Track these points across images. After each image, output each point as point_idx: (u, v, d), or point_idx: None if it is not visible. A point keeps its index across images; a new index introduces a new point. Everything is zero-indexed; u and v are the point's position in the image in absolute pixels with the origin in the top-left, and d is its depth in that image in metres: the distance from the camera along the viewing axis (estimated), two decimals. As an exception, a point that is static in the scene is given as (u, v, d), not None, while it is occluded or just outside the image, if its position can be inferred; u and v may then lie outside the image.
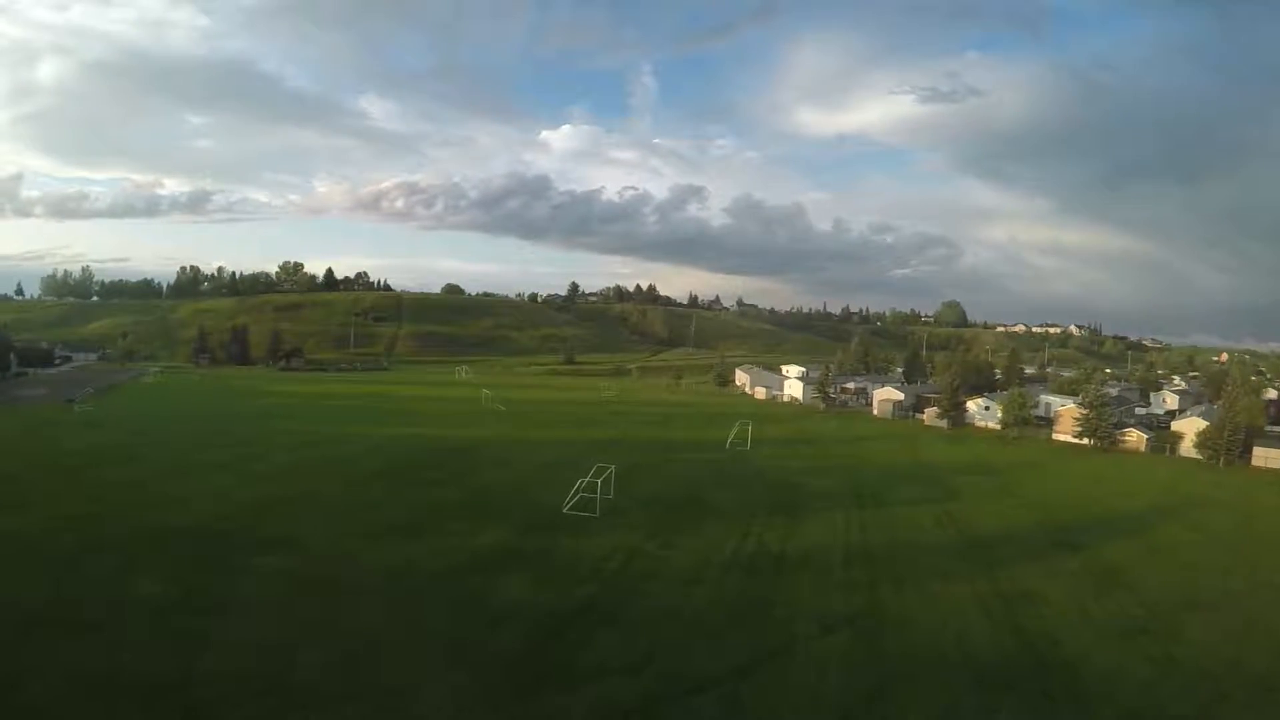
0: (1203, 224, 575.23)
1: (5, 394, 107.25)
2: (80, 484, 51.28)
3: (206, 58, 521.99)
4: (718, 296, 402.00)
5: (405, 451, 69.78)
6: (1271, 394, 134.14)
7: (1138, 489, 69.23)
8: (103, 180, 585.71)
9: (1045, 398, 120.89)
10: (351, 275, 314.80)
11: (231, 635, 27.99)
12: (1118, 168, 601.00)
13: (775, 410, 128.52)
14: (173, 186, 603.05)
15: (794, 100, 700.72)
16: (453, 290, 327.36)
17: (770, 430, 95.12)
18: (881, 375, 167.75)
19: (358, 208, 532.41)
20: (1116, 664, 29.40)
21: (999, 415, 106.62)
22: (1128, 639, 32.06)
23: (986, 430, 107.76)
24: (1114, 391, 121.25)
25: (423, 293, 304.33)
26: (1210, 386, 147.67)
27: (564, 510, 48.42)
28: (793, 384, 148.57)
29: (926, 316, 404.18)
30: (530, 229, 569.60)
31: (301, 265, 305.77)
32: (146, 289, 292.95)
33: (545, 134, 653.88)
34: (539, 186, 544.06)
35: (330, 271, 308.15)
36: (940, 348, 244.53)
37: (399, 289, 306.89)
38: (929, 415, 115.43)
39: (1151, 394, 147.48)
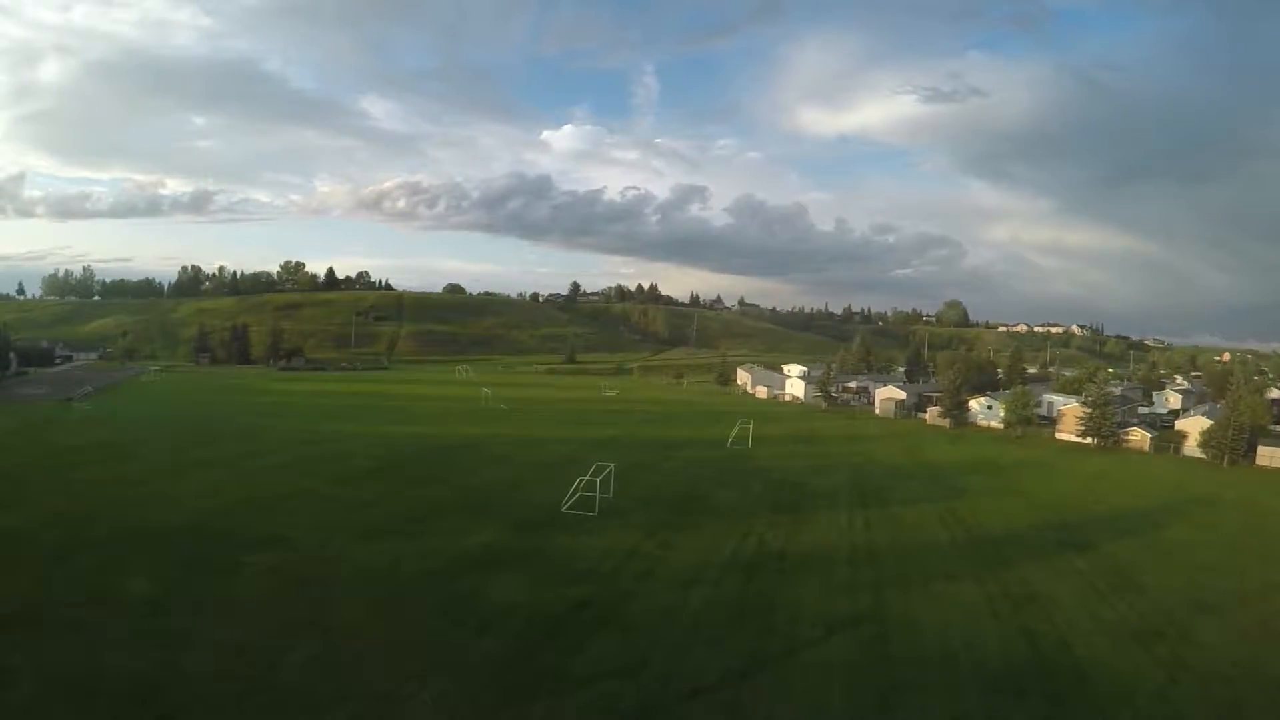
0: (1205, 224, 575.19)
1: (4, 393, 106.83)
2: (73, 482, 50.76)
3: (209, 58, 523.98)
4: (719, 296, 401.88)
5: (402, 450, 68.99)
6: (1275, 393, 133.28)
7: (1143, 488, 68.40)
8: (105, 180, 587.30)
9: (1048, 397, 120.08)
10: (353, 275, 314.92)
11: (216, 635, 27.32)
12: (1120, 168, 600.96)
13: (777, 409, 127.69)
14: (175, 186, 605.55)
15: (796, 100, 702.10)
16: (454, 290, 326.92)
17: (772, 429, 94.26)
18: (883, 374, 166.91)
19: (359, 208, 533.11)
20: (1129, 668, 28.52)
21: (1002, 414, 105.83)
22: (1139, 642, 31.16)
23: (989, 429, 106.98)
24: (1117, 391, 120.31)
25: (423, 292, 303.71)
26: (1213, 386, 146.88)
27: (562, 509, 47.60)
28: (794, 383, 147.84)
29: (928, 316, 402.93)
30: (532, 229, 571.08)
31: (303, 265, 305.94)
32: (148, 288, 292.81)
33: (547, 134, 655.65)
34: (541, 186, 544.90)
35: (331, 271, 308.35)
36: (942, 347, 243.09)
37: (400, 289, 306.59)
38: (931, 414, 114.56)
39: (1154, 393, 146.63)
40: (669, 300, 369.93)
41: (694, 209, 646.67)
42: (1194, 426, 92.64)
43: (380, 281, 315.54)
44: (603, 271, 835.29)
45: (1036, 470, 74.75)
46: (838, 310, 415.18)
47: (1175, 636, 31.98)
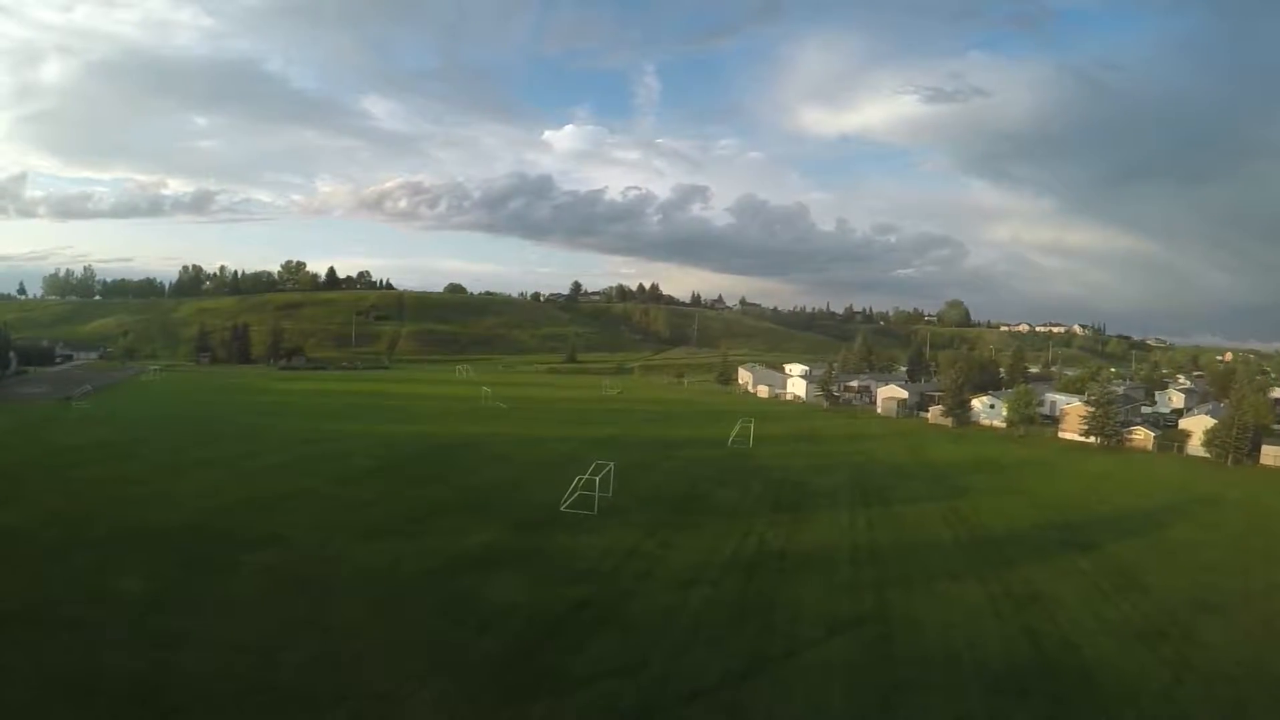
0: (1206, 224, 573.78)
1: (4, 392, 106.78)
2: (72, 481, 50.60)
3: (210, 58, 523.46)
4: (720, 296, 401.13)
5: (402, 449, 68.78)
6: (1278, 393, 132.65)
7: (1147, 487, 68.11)
8: (107, 180, 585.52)
9: (1050, 396, 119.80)
10: (353, 275, 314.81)
11: (214, 634, 27.14)
12: (1121, 168, 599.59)
13: (778, 408, 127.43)
14: (176, 187, 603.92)
15: (797, 100, 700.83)
16: (455, 289, 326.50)
17: (773, 428, 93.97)
18: (885, 374, 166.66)
19: (361, 208, 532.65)
20: (1133, 668, 28.27)
21: (1004, 413, 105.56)
22: (1144, 642, 30.91)
23: (991, 429, 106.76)
24: (1120, 390, 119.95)
25: (424, 292, 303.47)
26: (1216, 385, 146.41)
27: (561, 508, 47.35)
28: (796, 382, 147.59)
29: (930, 316, 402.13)
30: (533, 229, 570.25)
31: (304, 264, 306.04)
32: (149, 288, 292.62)
33: (548, 134, 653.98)
34: (542, 186, 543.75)
35: (332, 271, 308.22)
36: (944, 347, 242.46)
37: (401, 289, 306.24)
38: (933, 413, 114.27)
39: (1157, 393, 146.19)
40: (670, 300, 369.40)
41: (695, 209, 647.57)
42: (1198, 426, 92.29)
43: (381, 281, 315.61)
44: (604, 271, 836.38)
45: (1039, 469, 74.48)
46: (839, 310, 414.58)
47: (1179, 636, 31.72)
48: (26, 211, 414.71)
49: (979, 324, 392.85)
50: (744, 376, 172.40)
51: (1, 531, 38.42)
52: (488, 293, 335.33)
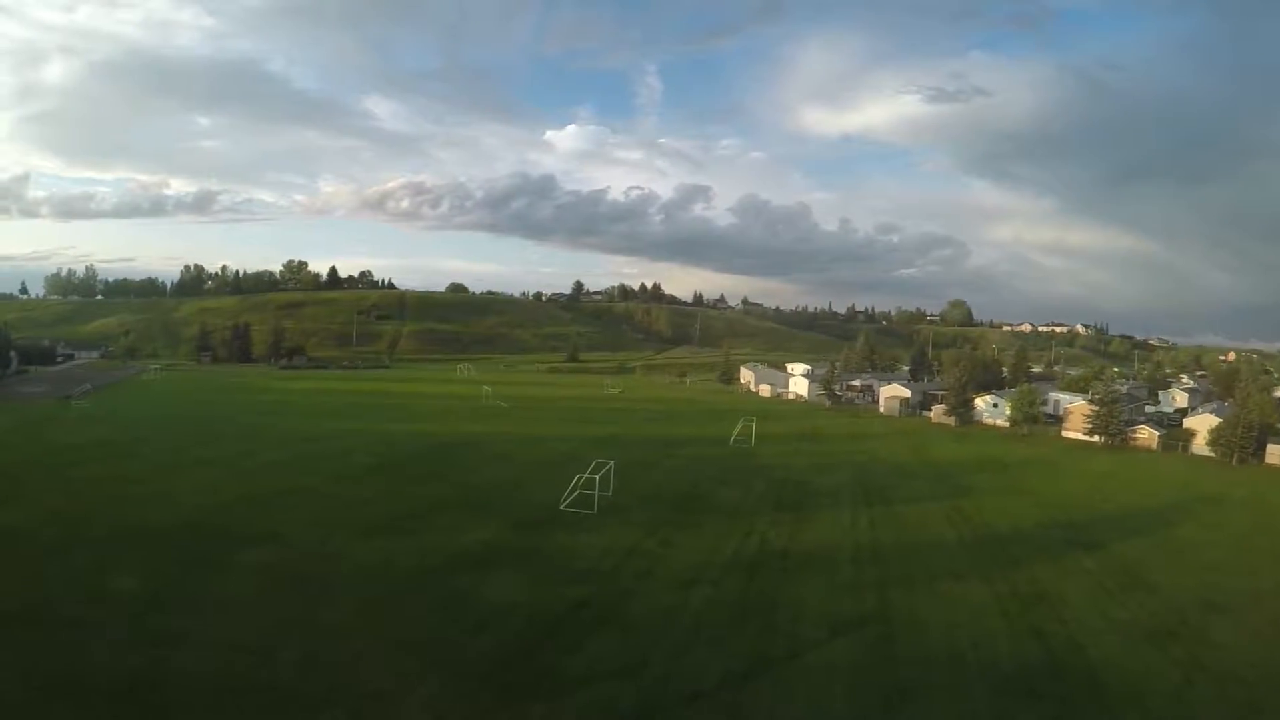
0: (1208, 224, 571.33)
1: (4, 391, 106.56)
2: (71, 480, 50.39)
3: (212, 58, 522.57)
4: (723, 296, 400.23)
5: (401, 448, 68.42)
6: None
7: (1152, 487, 67.57)
8: (109, 180, 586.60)
9: (1054, 395, 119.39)
10: (355, 275, 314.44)
11: (209, 633, 26.87)
12: (1122, 168, 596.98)
13: (780, 408, 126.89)
14: (179, 187, 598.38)
15: (799, 100, 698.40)
16: (456, 289, 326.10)
17: (775, 427, 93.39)
18: (888, 373, 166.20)
19: (363, 208, 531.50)
20: (1142, 669, 27.79)
21: (1007, 412, 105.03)
22: (1152, 642, 30.43)
23: (995, 428, 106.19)
24: (1123, 389, 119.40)
25: (426, 291, 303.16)
26: (1220, 385, 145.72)
27: (561, 507, 46.92)
28: (798, 381, 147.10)
29: (932, 316, 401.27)
30: (535, 229, 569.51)
31: (305, 264, 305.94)
32: (150, 288, 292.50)
33: (550, 134, 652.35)
34: (544, 186, 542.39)
35: (334, 270, 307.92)
36: (946, 346, 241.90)
37: (403, 288, 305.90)
38: (936, 413, 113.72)
39: (1160, 392, 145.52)
40: (672, 299, 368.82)
41: (698, 209, 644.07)
42: (1202, 425, 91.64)
43: (383, 281, 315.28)
44: (606, 271, 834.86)
45: (1043, 469, 73.95)
46: (841, 310, 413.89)
47: (1188, 637, 31.24)
48: (29, 212, 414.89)
49: (981, 324, 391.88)
50: (746, 376, 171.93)
51: (1, 530, 38.15)
52: (489, 292, 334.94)
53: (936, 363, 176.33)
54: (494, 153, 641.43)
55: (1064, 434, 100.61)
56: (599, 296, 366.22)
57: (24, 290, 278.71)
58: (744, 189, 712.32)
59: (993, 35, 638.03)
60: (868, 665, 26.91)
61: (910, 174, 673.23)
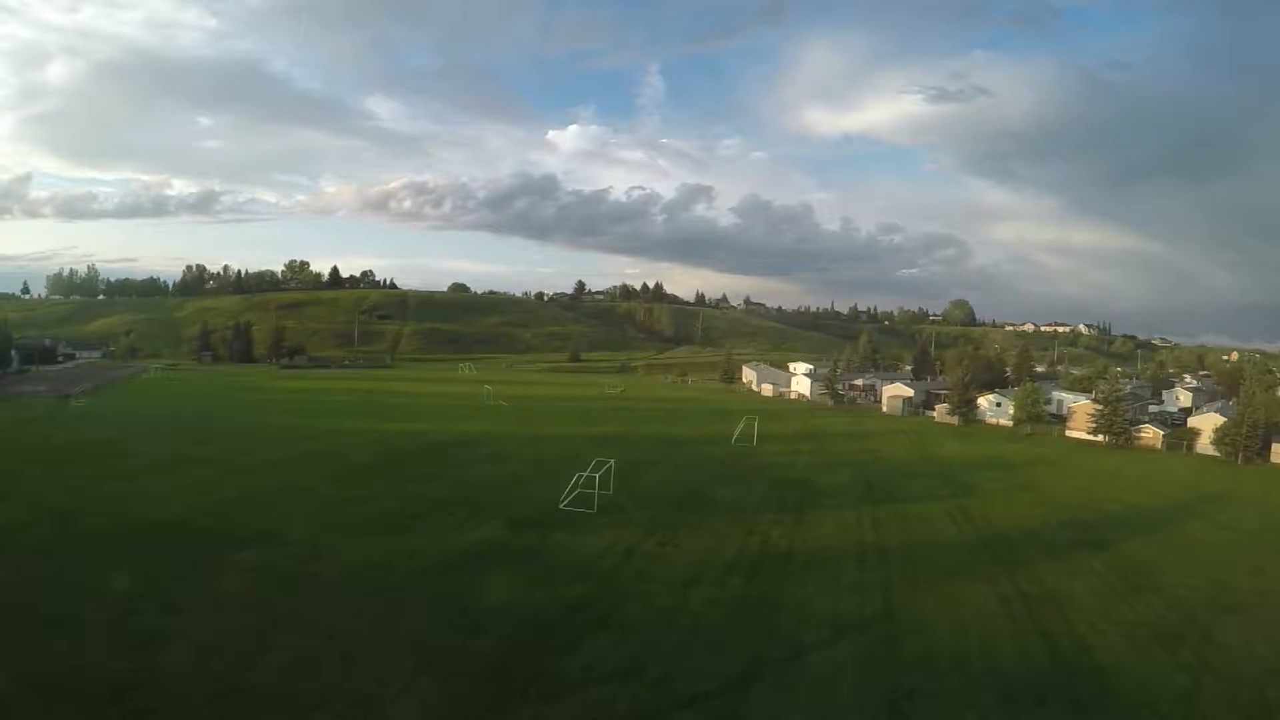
0: (1211, 224, 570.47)
1: (4, 390, 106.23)
2: (64, 477, 49.90)
3: (215, 59, 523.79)
4: (725, 295, 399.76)
5: (399, 446, 67.86)
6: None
7: (1157, 486, 66.98)
8: (111, 181, 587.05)
9: (1057, 394, 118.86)
10: (357, 274, 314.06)
11: (195, 634, 26.23)
12: (1125, 167, 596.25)
13: (782, 407, 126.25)
14: (181, 187, 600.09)
15: (801, 100, 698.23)
16: (458, 289, 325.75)
17: (777, 426, 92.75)
18: (890, 372, 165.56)
19: (366, 208, 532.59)
20: (1151, 671, 27.13)
21: (1011, 411, 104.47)
22: (1162, 644, 29.78)
23: (998, 427, 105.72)
24: (1127, 388, 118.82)
25: (428, 291, 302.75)
26: (1224, 384, 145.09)
27: (560, 506, 46.32)
28: (800, 380, 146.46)
29: (935, 315, 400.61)
30: (538, 229, 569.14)
31: (307, 264, 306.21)
32: (152, 287, 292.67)
33: (553, 134, 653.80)
34: (546, 187, 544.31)
35: (335, 270, 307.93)
36: (949, 346, 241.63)
37: (405, 288, 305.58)
38: (939, 411, 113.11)
39: (1164, 392, 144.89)
40: (674, 299, 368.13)
41: (700, 209, 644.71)
42: (1207, 424, 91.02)
43: (385, 280, 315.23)
44: (608, 271, 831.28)
45: (1048, 468, 73.30)
46: (843, 310, 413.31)
47: (1198, 638, 30.57)
48: (32, 212, 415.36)
49: (984, 323, 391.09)
50: (748, 375, 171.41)
51: (-9, 528, 37.59)
52: (491, 292, 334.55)
53: (939, 362, 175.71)
54: (496, 153, 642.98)
55: (1068, 433, 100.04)
56: (601, 296, 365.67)
57: (26, 290, 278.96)
58: (746, 189, 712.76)
59: (995, 34, 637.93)
60: (872, 667, 26.25)
61: (912, 174, 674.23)
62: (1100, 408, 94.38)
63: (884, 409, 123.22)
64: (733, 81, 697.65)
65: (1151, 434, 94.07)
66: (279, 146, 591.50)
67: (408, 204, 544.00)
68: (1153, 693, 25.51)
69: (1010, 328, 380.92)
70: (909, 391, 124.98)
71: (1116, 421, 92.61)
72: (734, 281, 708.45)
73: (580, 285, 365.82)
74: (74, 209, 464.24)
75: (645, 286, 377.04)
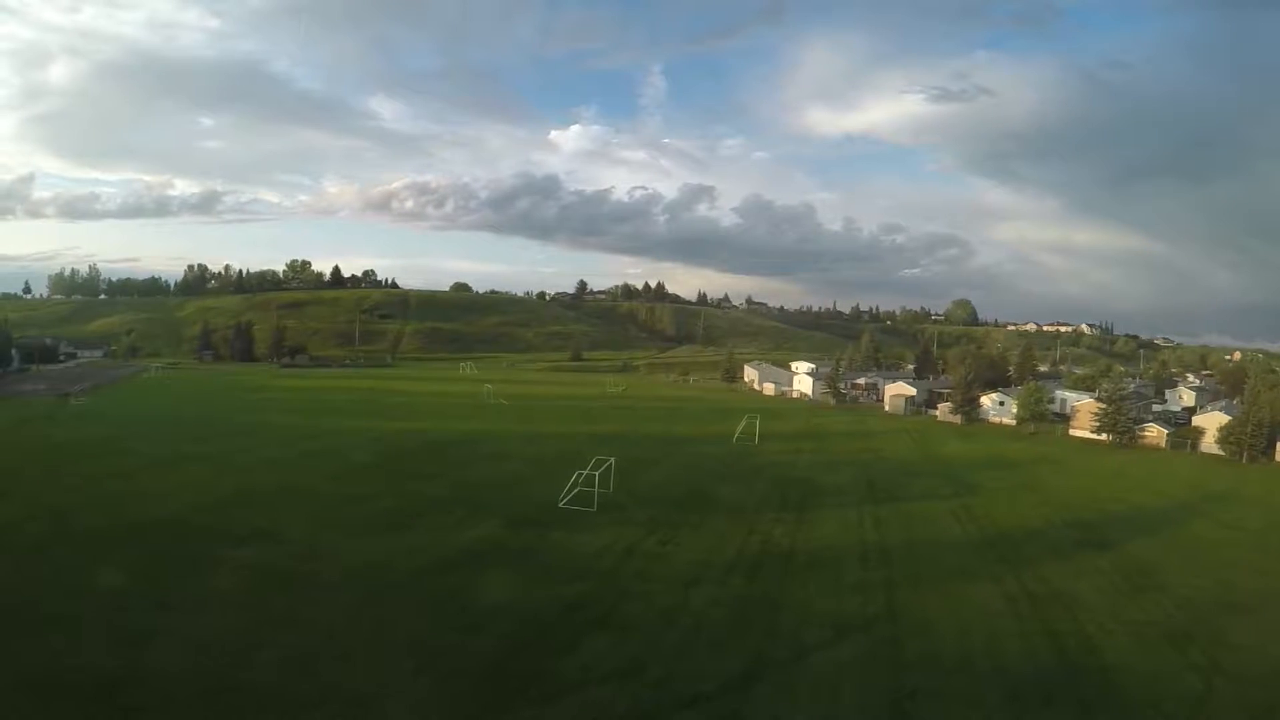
0: (1212, 224, 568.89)
1: (4, 389, 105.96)
2: (63, 476, 49.59)
3: (216, 59, 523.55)
4: (726, 295, 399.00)
5: (399, 445, 67.50)
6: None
7: (1162, 485, 66.53)
8: (113, 181, 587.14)
9: (1060, 393, 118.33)
10: (358, 274, 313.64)
11: (190, 632, 25.94)
12: (1126, 167, 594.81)
13: (784, 406, 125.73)
14: (183, 187, 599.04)
15: (803, 100, 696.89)
16: (460, 288, 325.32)
17: (779, 425, 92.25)
18: (892, 371, 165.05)
19: (368, 208, 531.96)
20: (1160, 672, 26.73)
21: (1014, 410, 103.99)
22: (1170, 644, 29.38)
23: (1001, 426, 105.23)
24: (1130, 387, 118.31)
25: (429, 290, 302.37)
26: (1227, 384, 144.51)
27: (559, 505, 45.92)
28: (802, 380, 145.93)
29: (937, 315, 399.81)
30: (540, 229, 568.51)
31: (309, 263, 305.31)
32: (154, 287, 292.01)
33: (554, 134, 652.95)
34: (548, 187, 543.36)
35: (337, 269, 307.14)
36: (951, 346, 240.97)
37: (407, 288, 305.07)
38: (942, 410, 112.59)
39: (1167, 391, 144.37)
40: (676, 299, 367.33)
41: (702, 209, 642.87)
42: (1212, 423, 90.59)
43: (386, 280, 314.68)
44: (610, 271, 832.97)
45: (1051, 467, 72.83)
46: (845, 310, 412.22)
47: (1206, 638, 30.16)
48: (34, 212, 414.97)
49: (986, 323, 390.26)
50: (750, 374, 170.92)
51: (-12, 526, 37.33)
52: (493, 291, 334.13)
53: (941, 361, 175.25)
54: (498, 153, 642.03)
55: (1071, 432, 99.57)
56: (603, 296, 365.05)
57: (27, 290, 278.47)
58: (748, 189, 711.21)
59: (996, 34, 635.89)
60: (875, 668, 25.85)
61: (914, 174, 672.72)
62: (1104, 406, 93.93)
63: (886, 408, 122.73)
64: (734, 82, 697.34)
65: (1155, 433, 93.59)
66: (281, 147, 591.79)
67: (410, 204, 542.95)
68: (1162, 693, 25.13)
69: (1012, 327, 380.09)
70: (911, 390, 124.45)
71: (1120, 420, 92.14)
72: (736, 281, 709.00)
73: (582, 285, 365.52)
74: (76, 209, 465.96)
75: (647, 286, 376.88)
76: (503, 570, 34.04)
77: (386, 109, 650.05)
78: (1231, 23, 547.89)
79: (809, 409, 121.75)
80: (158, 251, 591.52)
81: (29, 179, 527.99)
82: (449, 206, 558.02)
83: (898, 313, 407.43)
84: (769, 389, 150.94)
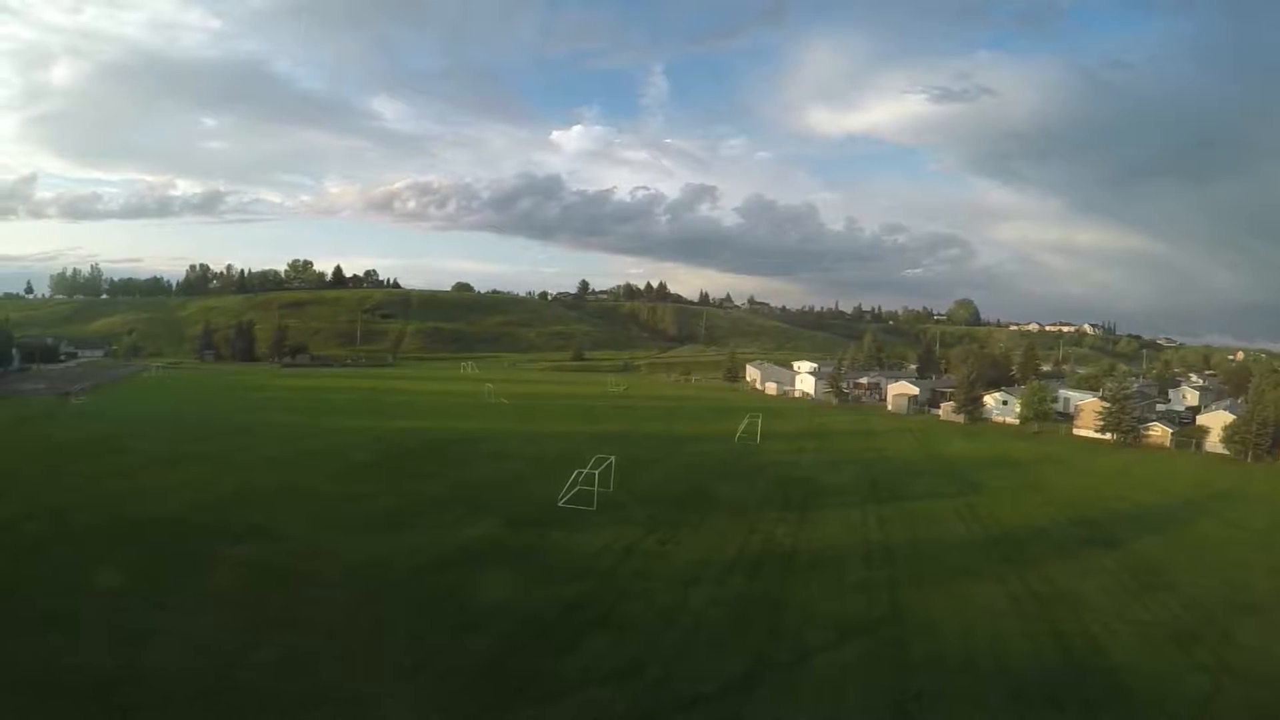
0: (1214, 223, 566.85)
1: (5, 388, 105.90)
2: (61, 474, 49.44)
3: (218, 60, 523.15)
4: (728, 295, 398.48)
5: (398, 444, 67.21)
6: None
7: (1166, 484, 66.15)
8: (116, 181, 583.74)
9: (1064, 392, 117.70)
10: (360, 274, 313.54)
11: (185, 631, 25.66)
12: (1129, 167, 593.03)
13: (786, 405, 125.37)
14: (185, 187, 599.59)
15: (805, 100, 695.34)
16: (462, 288, 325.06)
17: (781, 425, 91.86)
18: (895, 371, 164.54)
19: (370, 208, 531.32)
20: (1167, 673, 26.33)
21: (1017, 410, 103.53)
22: (1177, 644, 28.98)
23: (1004, 425, 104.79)
24: (1134, 386, 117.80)
25: (431, 290, 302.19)
26: (1231, 383, 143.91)
27: (559, 504, 45.55)
28: (804, 379, 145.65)
29: (939, 315, 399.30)
30: (542, 229, 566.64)
31: (310, 263, 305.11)
32: (156, 286, 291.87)
33: (556, 134, 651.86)
34: (550, 187, 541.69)
35: (339, 269, 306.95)
36: (953, 345, 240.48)
37: (409, 288, 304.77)
38: (945, 410, 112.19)
39: (1170, 391, 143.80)
40: (678, 298, 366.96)
41: (704, 209, 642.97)
42: (1216, 422, 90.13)
43: (388, 280, 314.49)
44: (612, 271, 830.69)
45: (1056, 466, 72.41)
46: (848, 310, 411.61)
47: (1214, 638, 29.77)
48: (36, 212, 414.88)
49: (988, 323, 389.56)
50: (752, 374, 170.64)
51: (-13, 524, 37.12)
52: (495, 291, 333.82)
53: (944, 361, 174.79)
54: (500, 153, 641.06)
55: (1075, 431, 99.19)
56: (604, 296, 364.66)
57: (29, 290, 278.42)
58: (750, 189, 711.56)
59: (998, 34, 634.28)
60: (879, 669, 25.45)
61: (916, 174, 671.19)
62: (1108, 405, 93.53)
63: (889, 407, 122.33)
64: (736, 82, 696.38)
65: (1160, 432, 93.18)
66: (283, 147, 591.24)
67: (412, 204, 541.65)
68: (1169, 694, 24.75)
69: (1015, 327, 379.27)
70: (914, 390, 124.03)
71: (1125, 419, 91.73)
72: (738, 282, 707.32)
73: (584, 285, 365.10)
74: (79, 209, 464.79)
75: (649, 286, 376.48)
76: (502, 569, 33.68)
77: (388, 109, 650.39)
78: (1233, 23, 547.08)
79: (811, 408, 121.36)
80: (160, 252, 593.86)
81: (31, 179, 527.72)
82: (451, 207, 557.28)
83: (900, 313, 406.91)
84: (771, 388, 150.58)
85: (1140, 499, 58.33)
